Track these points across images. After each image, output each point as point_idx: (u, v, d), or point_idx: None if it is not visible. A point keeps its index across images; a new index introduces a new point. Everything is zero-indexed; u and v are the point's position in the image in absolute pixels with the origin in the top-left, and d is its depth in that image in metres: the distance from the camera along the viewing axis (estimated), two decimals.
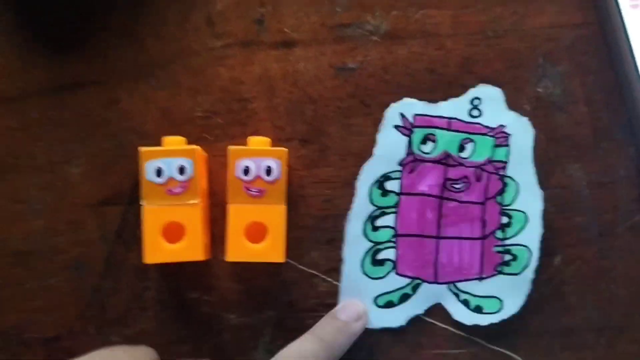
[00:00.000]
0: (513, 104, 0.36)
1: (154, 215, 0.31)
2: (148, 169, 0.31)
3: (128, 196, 0.35)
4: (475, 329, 0.35)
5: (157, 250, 0.31)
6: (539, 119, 0.36)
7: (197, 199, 0.32)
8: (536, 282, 0.36)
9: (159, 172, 0.31)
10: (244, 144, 0.35)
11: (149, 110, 0.35)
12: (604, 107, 0.37)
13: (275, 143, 0.35)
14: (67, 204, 0.35)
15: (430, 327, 0.35)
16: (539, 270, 0.35)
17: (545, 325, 0.36)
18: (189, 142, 0.35)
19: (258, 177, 0.32)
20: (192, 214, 0.31)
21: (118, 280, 0.33)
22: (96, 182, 0.35)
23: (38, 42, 0.35)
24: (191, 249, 0.31)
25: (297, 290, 0.35)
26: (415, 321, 0.35)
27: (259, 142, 0.33)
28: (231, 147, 0.32)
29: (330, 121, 0.36)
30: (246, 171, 0.32)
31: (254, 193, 0.32)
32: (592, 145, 0.36)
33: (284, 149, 0.33)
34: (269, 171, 0.32)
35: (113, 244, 0.34)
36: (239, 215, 0.32)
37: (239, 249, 0.32)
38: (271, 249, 0.32)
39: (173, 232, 0.31)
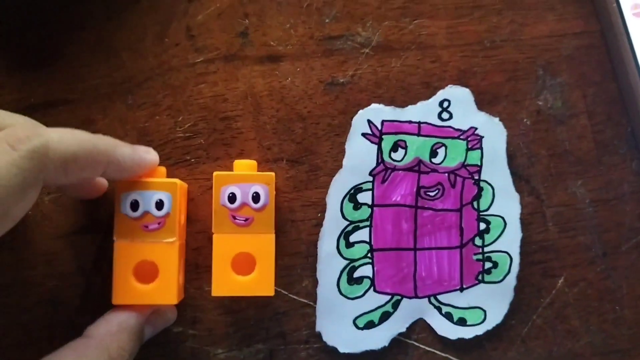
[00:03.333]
0: (513, 118, 0.34)
1: (126, 252, 0.29)
2: (123, 201, 0.29)
3: (105, 224, 0.32)
4: (467, 347, 0.33)
5: (126, 290, 0.29)
6: (539, 134, 0.35)
7: (174, 237, 0.29)
8: (539, 306, 0.34)
9: (134, 206, 0.29)
10: (229, 166, 0.33)
11: (125, 131, 0.33)
12: (607, 120, 0.35)
13: (262, 164, 0.33)
14: (40, 234, 0.32)
15: (413, 346, 0.34)
16: (541, 294, 0.34)
17: (549, 350, 0.34)
18: (170, 165, 0.33)
19: (244, 205, 0.30)
20: (167, 254, 0.29)
21: (96, 315, 0.31)
22: (70, 210, 0.32)
23: (5, 58, 0.33)
24: (163, 292, 0.29)
25: (288, 321, 0.33)
26: (397, 341, 0.33)
27: (245, 165, 0.31)
28: (216, 173, 0.30)
29: (320, 140, 0.34)
30: (232, 198, 0.30)
31: (241, 222, 0.30)
32: (594, 160, 0.35)
33: (271, 173, 0.31)
34: (256, 198, 0.30)
35: (89, 276, 0.32)
36: (225, 245, 0.30)
37: (225, 283, 0.30)
38: (260, 282, 0.30)
39: (145, 272, 0.29)
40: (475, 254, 0.34)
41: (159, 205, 0.29)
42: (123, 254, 0.29)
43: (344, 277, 0.33)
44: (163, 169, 0.31)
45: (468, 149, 0.34)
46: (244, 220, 0.30)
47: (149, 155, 0.30)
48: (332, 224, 0.33)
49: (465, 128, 0.34)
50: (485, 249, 0.34)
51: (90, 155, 0.26)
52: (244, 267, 0.30)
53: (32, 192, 0.23)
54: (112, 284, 0.29)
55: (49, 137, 0.24)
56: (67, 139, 0.25)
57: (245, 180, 0.30)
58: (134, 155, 0.29)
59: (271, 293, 0.30)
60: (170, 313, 0.32)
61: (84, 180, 0.28)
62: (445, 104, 0.34)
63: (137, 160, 0.29)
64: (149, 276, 0.29)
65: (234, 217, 0.30)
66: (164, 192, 0.29)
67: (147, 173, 0.30)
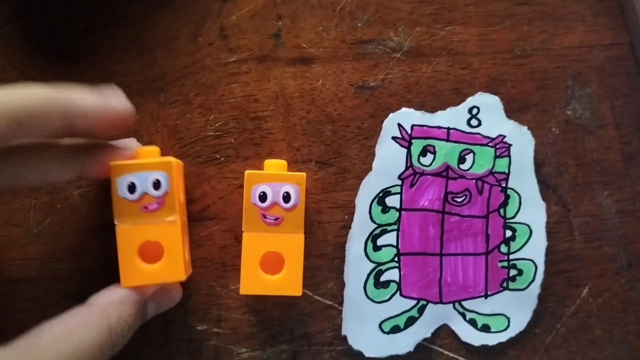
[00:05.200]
0: (541, 127, 0.35)
1: (128, 234, 0.29)
2: (120, 184, 0.29)
3: None
4: (491, 354, 0.34)
5: (133, 272, 0.29)
6: (567, 143, 0.35)
7: (174, 215, 0.29)
8: (563, 315, 0.34)
9: (131, 188, 0.29)
10: (258, 165, 0.33)
11: (157, 128, 0.33)
12: (634, 132, 0.35)
13: (291, 165, 0.33)
14: (68, 228, 0.32)
15: (437, 352, 0.33)
16: (565, 303, 0.34)
17: None
18: (200, 163, 0.33)
19: (275, 204, 0.30)
20: (170, 232, 0.29)
21: None
22: (98, 204, 0.33)
23: (40, 56, 0.33)
24: (171, 269, 0.29)
25: (312, 322, 0.33)
26: (421, 346, 0.33)
27: (275, 165, 0.31)
28: (248, 172, 0.30)
29: (349, 142, 0.34)
30: (263, 197, 0.30)
31: (271, 221, 0.30)
32: (621, 172, 0.35)
33: (302, 174, 0.31)
34: (286, 198, 0.30)
35: (116, 271, 0.32)
36: (254, 244, 0.30)
37: (254, 281, 0.30)
38: (288, 282, 0.30)
39: (151, 252, 0.29)
40: (500, 261, 0.34)
41: (156, 185, 0.29)
42: (126, 237, 0.29)
43: (371, 280, 0.33)
44: (157, 149, 0.30)
45: (496, 157, 0.34)
46: (274, 220, 0.30)
47: (118, 98, 0.28)
48: (360, 227, 0.33)
49: (493, 135, 0.34)
50: (511, 257, 0.34)
51: (45, 105, 0.25)
52: (272, 266, 0.30)
53: None
54: (119, 268, 0.29)
55: None
56: (16, 93, 0.24)
57: (276, 179, 0.30)
58: (98, 98, 0.27)
59: (299, 293, 0.30)
60: (176, 292, 0.32)
61: (50, 133, 0.26)
62: (475, 111, 0.34)
63: (104, 104, 0.27)
64: (154, 256, 0.29)
65: (264, 216, 0.30)
66: (160, 171, 0.29)
67: (143, 152, 0.30)
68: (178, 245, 0.29)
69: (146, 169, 0.29)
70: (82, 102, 0.26)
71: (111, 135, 0.28)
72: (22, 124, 0.24)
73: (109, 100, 0.27)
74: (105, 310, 0.27)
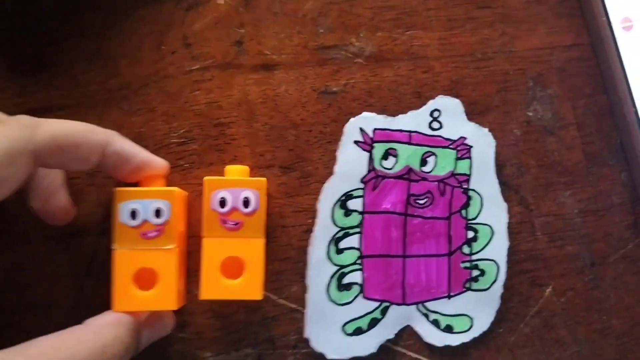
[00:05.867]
0: (502, 129, 0.35)
1: (126, 260, 0.29)
2: (122, 210, 0.29)
3: (98, 227, 0.33)
4: (454, 354, 0.34)
5: (127, 297, 0.29)
6: (529, 144, 0.35)
7: (172, 244, 0.30)
8: (526, 315, 0.34)
9: (133, 214, 0.30)
10: (222, 171, 0.33)
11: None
12: (596, 132, 0.36)
13: (254, 170, 0.34)
14: (34, 236, 0.33)
15: (401, 353, 0.34)
16: (529, 303, 0.34)
17: (537, 359, 0.34)
18: None
19: (235, 209, 0.30)
20: (166, 260, 0.30)
21: (88, 317, 0.31)
22: None
23: (5, 67, 0.34)
24: (164, 298, 0.29)
25: (276, 325, 0.33)
26: (385, 348, 0.34)
27: (236, 171, 0.32)
28: (207, 178, 0.31)
29: (312, 147, 0.34)
30: (222, 203, 0.30)
31: (231, 226, 0.30)
32: (583, 171, 0.35)
33: (262, 179, 0.31)
34: (246, 203, 0.31)
35: (82, 279, 0.33)
36: (214, 249, 0.30)
37: (214, 286, 0.30)
38: (248, 286, 0.30)
39: (145, 279, 0.30)
40: (463, 262, 0.34)
41: (158, 213, 0.30)
42: (123, 262, 0.29)
43: (334, 283, 0.33)
44: (162, 178, 0.31)
45: (457, 158, 0.34)
46: (234, 225, 0.30)
47: (157, 162, 0.31)
48: (323, 230, 0.33)
49: (455, 138, 0.34)
50: (473, 257, 0.34)
51: (85, 136, 0.27)
52: (234, 271, 0.30)
53: (20, 161, 0.25)
54: (113, 292, 0.29)
55: (42, 119, 0.26)
56: (62, 121, 0.27)
57: (236, 185, 0.31)
58: (137, 149, 0.30)
59: (259, 297, 0.30)
60: (168, 319, 0.32)
61: (85, 166, 0.29)
62: (436, 114, 0.34)
63: (140, 155, 0.30)
64: (148, 283, 0.30)
65: (224, 221, 0.30)
66: (162, 200, 0.30)
67: (147, 180, 0.31)
68: (173, 275, 0.30)
69: (149, 197, 0.30)
70: (120, 146, 0.29)
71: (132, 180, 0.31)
72: (63, 149, 0.27)
73: (149, 154, 0.31)
74: (100, 329, 0.28)
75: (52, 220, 0.31)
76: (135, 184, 0.31)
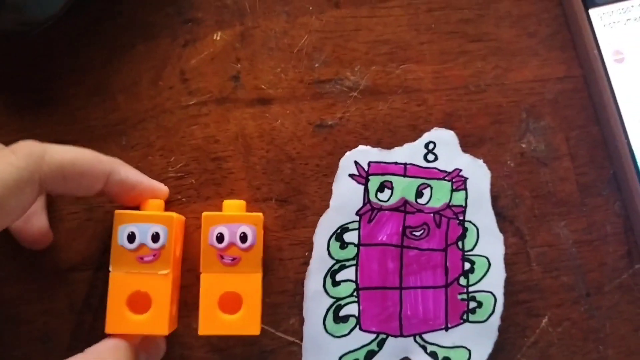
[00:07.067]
0: (497, 160, 0.35)
1: (120, 282, 0.30)
2: (121, 233, 0.30)
3: (97, 262, 0.33)
4: None
5: (120, 320, 0.30)
6: (523, 175, 0.35)
7: (167, 269, 0.30)
8: (523, 345, 0.34)
9: (131, 238, 0.30)
10: (219, 205, 0.33)
11: None
12: (589, 163, 0.36)
13: (251, 203, 0.34)
14: (33, 271, 0.33)
15: None
16: (525, 333, 0.34)
17: None
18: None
19: (232, 244, 0.31)
20: (160, 285, 0.30)
21: None
22: (64, 247, 0.33)
23: (4, 103, 0.34)
24: (156, 322, 0.30)
25: (275, 359, 0.33)
26: None
27: (233, 206, 0.32)
28: (205, 214, 0.31)
29: (308, 180, 0.35)
30: (220, 238, 0.31)
31: (228, 261, 0.31)
32: (577, 202, 0.36)
33: (259, 214, 0.31)
34: (243, 238, 0.31)
35: (80, 313, 0.33)
36: (212, 285, 0.31)
37: (212, 322, 0.30)
38: (246, 321, 0.30)
39: (139, 302, 0.30)
40: (460, 294, 0.34)
41: (155, 237, 0.30)
42: (118, 285, 0.30)
43: (330, 315, 0.33)
44: (161, 202, 0.32)
45: (453, 190, 0.34)
46: (232, 260, 0.31)
47: (161, 187, 0.33)
48: (319, 263, 0.33)
49: (450, 169, 0.34)
50: (470, 289, 0.34)
51: (91, 165, 0.28)
52: (231, 305, 0.31)
53: (27, 190, 0.26)
54: (106, 313, 0.30)
55: (48, 146, 0.27)
56: (67, 149, 0.28)
57: (233, 220, 0.31)
58: (139, 176, 0.31)
59: (257, 332, 0.30)
60: (162, 343, 0.32)
61: (89, 193, 0.30)
62: (431, 146, 0.35)
63: (143, 183, 0.31)
64: (142, 306, 0.30)
65: (222, 257, 0.31)
66: (160, 225, 0.30)
67: (146, 204, 0.31)
68: (166, 300, 0.30)
69: (148, 221, 0.30)
70: (124, 173, 0.30)
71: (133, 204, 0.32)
72: (68, 178, 0.27)
73: (150, 182, 0.32)
74: (101, 355, 0.28)
75: (29, 242, 0.32)
76: (130, 207, 0.32)
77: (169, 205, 0.34)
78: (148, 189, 0.32)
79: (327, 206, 0.34)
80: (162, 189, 0.33)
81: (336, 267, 0.34)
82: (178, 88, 0.35)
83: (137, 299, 0.30)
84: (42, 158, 0.26)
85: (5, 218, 0.25)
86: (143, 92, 0.35)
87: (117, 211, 0.30)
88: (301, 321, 0.33)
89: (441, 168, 0.34)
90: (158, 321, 0.30)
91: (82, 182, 0.28)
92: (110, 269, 0.30)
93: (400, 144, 0.35)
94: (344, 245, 0.34)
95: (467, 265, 0.34)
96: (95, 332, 0.33)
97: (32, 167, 0.26)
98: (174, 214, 0.31)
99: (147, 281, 0.30)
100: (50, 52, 0.35)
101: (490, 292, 0.34)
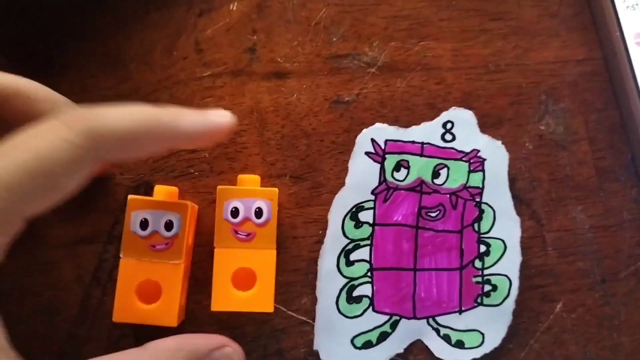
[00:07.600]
0: (515, 142, 0.35)
1: (131, 269, 0.29)
2: (134, 219, 0.29)
3: (106, 235, 0.32)
4: None
5: (128, 309, 0.29)
6: (541, 158, 0.35)
7: (179, 259, 0.29)
8: (537, 330, 0.34)
9: (144, 225, 0.29)
10: (232, 180, 0.33)
11: None
12: (608, 147, 0.35)
13: (265, 179, 0.33)
14: (40, 243, 0.32)
15: None
16: (539, 319, 0.34)
17: None
18: (174, 178, 0.33)
19: (247, 219, 0.30)
20: (172, 275, 0.29)
21: (93, 326, 0.31)
22: (72, 220, 0.32)
23: (13, 71, 0.33)
24: (164, 313, 0.29)
25: (286, 338, 0.33)
26: None
27: (248, 180, 0.31)
28: (220, 187, 0.30)
29: (323, 157, 0.34)
30: (234, 213, 0.30)
31: (243, 237, 0.30)
32: (595, 187, 0.35)
33: (274, 189, 0.31)
34: (258, 213, 0.30)
35: (88, 287, 0.32)
36: (226, 260, 0.30)
37: (225, 298, 0.29)
38: (259, 298, 0.30)
39: (148, 291, 0.29)
40: (474, 277, 0.34)
41: (168, 226, 0.29)
42: (128, 272, 0.29)
43: (343, 295, 0.33)
44: (175, 190, 0.31)
45: (470, 171, 0.34)
46: (246, 235, 0.30)
47: (222, 118, 0.27)
48: (333, 242, 0.33)
49: (467, 150, 0.34)
50: (485, 272, 0.34)
51: (151, 131, 0.25)
52: (244, 282, 0.30)
53: (85, 167, 0.23)
54: (114, 301, 0.29)
55: (105, 116, 0.23)
56: (125, 118, 0.24)
57: (248, 195, 0.30)
58: (204, 121, 0.26)
59: (270, 309, 0.30)
60: (235, 354, 0.29)
61: (151, 154, 0.27)
62: (449, 126, 0.34)
63: (209, 126, 0.27)
64: (151, 296, 0.29)
65: (236, 232, 0.30)
66: (174, 213, 0.29)
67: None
68: (177, 290, 0.29)
69: (161, 209, 0.29)
70: (189, 127, 0.26)
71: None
72: (126, 147, 0.24)
73: (216, 120, 0.27)
74: (158, 355, 0.26)
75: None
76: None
77: (181, 178, 0.33)
78: (218, 134, 0.27)
79: (342, 184, 0.33)
80: (227, 122, 0.27)
81: (350, 246, 0.33)
82: (192, 58, 0.34)
83: (147, 288, 0.29)
84: (101, 134, 0.23)
85: (60, 196, 0.23)
86: (156, 62, 0.34)
87: (130, 196, 0.30)
88: (313, 300, 0.33)
89: (459, 148, 0.34)
90: (167, 312, 0.29)
91: (145, 149, 0.25)
92: (121, 255, 0.29)
93: (417, 122, 0.34)
94: (358, 224, 0.33)
95: (482, 248, 0.34)
96: (103, 307, 0.32)
97: (91, 146, 0.23)
98: (189, 203, 0.30)
99: (158, 270, 0.29)
100: (58, 19, 0.33)
101: (506, 276, 0.34)
